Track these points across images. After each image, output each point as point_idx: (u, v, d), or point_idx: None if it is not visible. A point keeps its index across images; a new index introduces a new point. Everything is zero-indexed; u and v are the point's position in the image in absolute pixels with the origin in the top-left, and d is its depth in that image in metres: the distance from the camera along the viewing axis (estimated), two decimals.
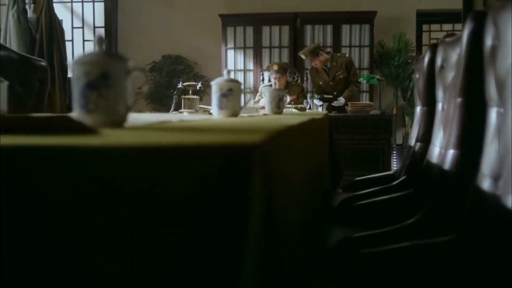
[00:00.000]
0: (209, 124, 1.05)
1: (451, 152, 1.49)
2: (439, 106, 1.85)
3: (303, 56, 5.61)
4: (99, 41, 0.85)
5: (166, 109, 7.17)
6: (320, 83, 5.66)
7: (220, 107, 1.56)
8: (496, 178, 1.13)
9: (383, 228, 1.54)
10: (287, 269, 0.67)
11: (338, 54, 5.91)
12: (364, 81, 5.47)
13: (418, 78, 2.49)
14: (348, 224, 1.88)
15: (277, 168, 0.72)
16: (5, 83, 1.68)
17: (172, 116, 1.62)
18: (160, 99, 7.23)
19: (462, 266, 1.22)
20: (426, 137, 2.08)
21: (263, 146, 0.56)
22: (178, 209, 0.54)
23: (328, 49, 6.80)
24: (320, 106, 5.41)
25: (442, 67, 1.85)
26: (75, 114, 0.83)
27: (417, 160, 2.09)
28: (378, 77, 5.31)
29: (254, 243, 0.54)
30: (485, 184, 1.17)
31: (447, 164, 1.49)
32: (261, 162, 0.55)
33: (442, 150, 1.71)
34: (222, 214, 0.53)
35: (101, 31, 5.84)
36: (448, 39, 1.84)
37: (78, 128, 0.73)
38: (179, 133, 0.78)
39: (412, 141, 2.48)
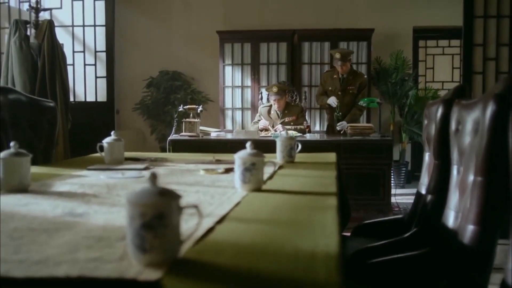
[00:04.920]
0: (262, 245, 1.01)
1: (470, 228, 1.51)
2: (455, 169, 1.88)
3: (337, 55, 5.66)
4: (152, 177, 0.87)
5: (163, 125, 7.16)
6: (330, 88, 5.79)
7: (244, 181, 1.58)
8: None
9: None
10: None
11: (358, 72, 6.04)
12: (364, 105, 5.51)
13: (427, 124, 2.52)
14: (365, 285, 1.91)
15: None
16: (29, 157, 1.68)
17: (207, 200, 1.62)
18: (158, 115, 7.22)
19: None
20: (437, 191, 2.10)
21: None
22: None
23: (326, 67, 6.85)
24: (334, 106, 5.51)
25: (457, 129, 1.87)
26: (130, 252, 0.85)
27: (429, 214, 2.12)
28: (378, 100, 5.35)
29: None
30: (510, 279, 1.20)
31: (467, 239, 1.52)
32: None
33: (458, 215, 1.74)
34: None
35: (102, 56, 5.81)
36: (463, 101, 1.87)
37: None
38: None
39: (421, 187, 2.51)
